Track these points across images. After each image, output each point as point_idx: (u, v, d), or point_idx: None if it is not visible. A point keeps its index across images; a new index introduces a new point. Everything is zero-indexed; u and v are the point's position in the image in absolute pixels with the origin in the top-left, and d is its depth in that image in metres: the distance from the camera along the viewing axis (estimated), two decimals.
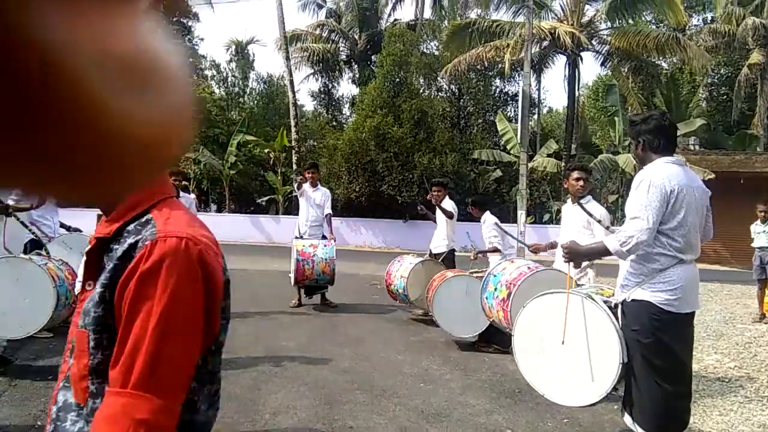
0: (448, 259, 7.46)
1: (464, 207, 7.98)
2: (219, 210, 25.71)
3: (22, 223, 4.90)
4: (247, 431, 3.79)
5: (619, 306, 3.22)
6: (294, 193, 8.46)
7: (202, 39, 34.12)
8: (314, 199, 8.11)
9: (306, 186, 8.17)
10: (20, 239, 5.52)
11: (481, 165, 22.01)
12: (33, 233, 5.03)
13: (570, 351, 3.46)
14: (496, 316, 5.15)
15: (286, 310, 7.86)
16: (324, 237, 8.08)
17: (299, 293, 8.10)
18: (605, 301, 3.37)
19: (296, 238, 7.96)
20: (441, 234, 7.65)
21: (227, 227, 20.64)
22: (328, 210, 8.14)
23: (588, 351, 3.40)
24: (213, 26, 65.01)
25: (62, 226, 6.47)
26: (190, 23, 30.69)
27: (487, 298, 5.34)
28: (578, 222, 5.00)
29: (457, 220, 7.71)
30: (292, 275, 7.67)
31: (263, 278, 10.90)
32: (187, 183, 23.17)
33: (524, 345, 3.76)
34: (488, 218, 6.75)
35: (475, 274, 6.34)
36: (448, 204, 7.53)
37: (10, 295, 4.45)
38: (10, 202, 5.95)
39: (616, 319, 3.23)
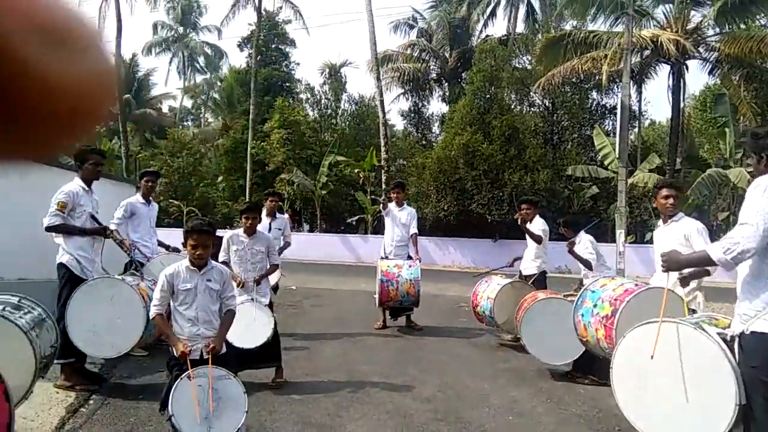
0: (539, 282, 7.06)
1: (558, 227, 7.57)
2: (311, 230, 26.29)
3: (119, 243, 5.12)
4: None
5: (736, 339, 2.83)
6: (382, 213, 8.36)
7: (298, 64, 35.34)
8: (400, 218, 8.00)
9: (391, 206, 8.09)
10: (120, 260, 5.76)
11: (575, 182, 21.08)
12: (129, 254, 5.24)
13: (677, 388, 3.08)
14: (593, 334, 4.73)
15: (372, 331, 7.76)
16: (409, 257, 7.93)
17: (384, 315, 7.98)
18: (719, 333, 2.97)
19: (382, 258, 7.88)
20: (531, 254, 7.27)
21: (317, 246, 21.06)
22: (413, 230, 8.00)
23: (698, 389, 3.01)
24: (308, 51, 67.59)
25: (161, 245, 6.73)
26: (287, 49, 31.97)
27: (582, 315, 4.94)
28: (674, 241, 4.55)
29: (551, 240, 7.31)
30: (376, 296, 7.57)
31: (350, 298, 10.92)
32: (281, 204, 23.97)
33: (625, 378, 3.40)
34: (583, 237, 6.33)
35: (569, 297, 5.93)
36: (539, 223, 7.16)
37: (104, 315, 4.63)
38: (112, 226, 6.30)
39: (733, 354, 2.83)
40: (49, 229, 4.72)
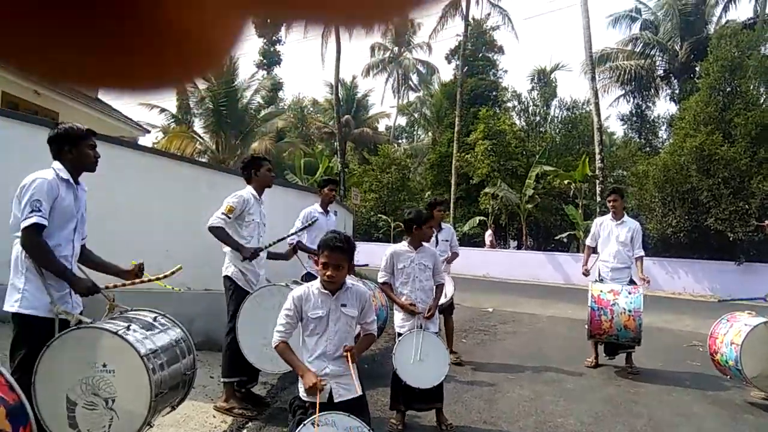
0: None
1: None
2: (518, 247, 24.89)
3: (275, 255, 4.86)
4: None
5: None
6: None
7: (506, 71, 34.33)
8: (618, 235, 6.63)
9: (606, 218, 6.78)
10: (286, 272, 5.50)
11: None
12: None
13: None
14: None
15: (574, 370, 6.47)
16: (631, 282, 6.51)
17: (596, 350, 6.65)
18: None
19: (595, 281, 6.57)
20: None
21: (520, 265, 19.63)
22: (639, 251, 6.58)
23: None
24: (517, 57, 66.00)
25: None
26: (495, 56, 31.19)
27: None
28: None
29: None
30: (587, 326, 6.33)
31: (553, 326, 9.59)
32: (485, 218, 23.12)
33: None
34: None
35: None
36: None
37: (272, 326, 4.28)
38: (292, 238, 6.11)
39: None
40: (211, 229, 4.54)
